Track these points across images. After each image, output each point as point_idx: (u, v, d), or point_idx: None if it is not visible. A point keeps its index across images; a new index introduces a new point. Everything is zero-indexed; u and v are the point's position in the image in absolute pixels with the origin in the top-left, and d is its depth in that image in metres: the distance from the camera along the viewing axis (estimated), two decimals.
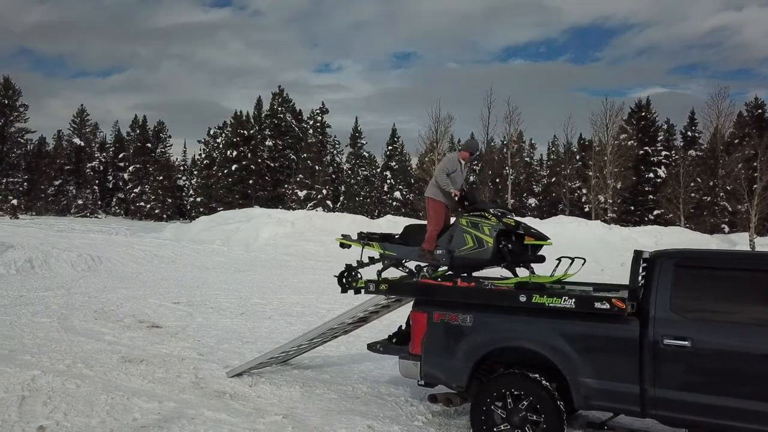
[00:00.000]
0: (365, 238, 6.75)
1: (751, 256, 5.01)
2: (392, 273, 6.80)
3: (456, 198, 6.47)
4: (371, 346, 6.11)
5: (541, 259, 5.88)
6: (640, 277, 4.84)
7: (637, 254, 4.92)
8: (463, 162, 6.75)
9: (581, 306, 4.74)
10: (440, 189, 6.52)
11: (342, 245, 7.06)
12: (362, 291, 6.30)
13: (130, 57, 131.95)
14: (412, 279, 6.50)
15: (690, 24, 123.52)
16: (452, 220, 6.54)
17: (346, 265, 6.83)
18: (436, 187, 6.57)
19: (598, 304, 4.65)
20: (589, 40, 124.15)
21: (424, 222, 6.70)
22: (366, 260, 6.75)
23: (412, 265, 6.72)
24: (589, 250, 24.31)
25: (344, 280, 6.78)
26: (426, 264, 6.47)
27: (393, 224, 31.39)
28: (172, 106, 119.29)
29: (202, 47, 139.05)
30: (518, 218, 6.34)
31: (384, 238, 6.84)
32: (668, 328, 4.54)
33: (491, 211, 6.18)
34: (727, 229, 45.56)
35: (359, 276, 6.70)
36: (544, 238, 6.12)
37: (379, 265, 6.72)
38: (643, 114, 57.63)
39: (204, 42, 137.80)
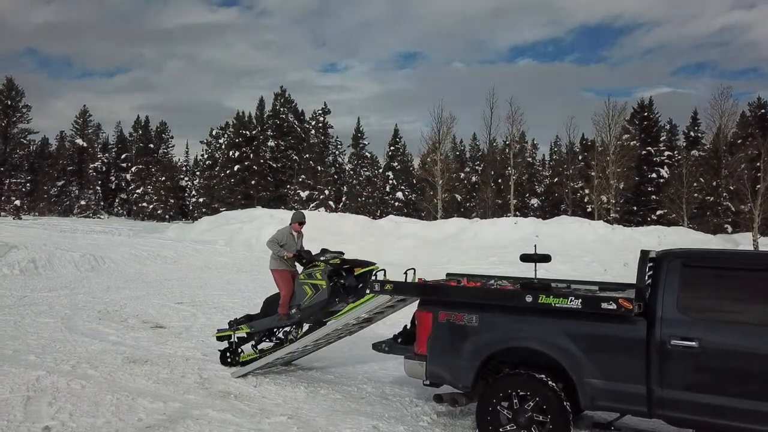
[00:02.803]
0: (234, 325, 7.81)
1: (759, 256, 4.98)
2: (268, 344, 7.84)
3: (291, 258, 7.62)
4: (376, 346, 6.11)
5: (548, 259, 5.87)
6: (646, 277, 4.82)
7: (644, 254, 4.90)
8: (295, 233, 7.85)
9: (588, 306, 4.72)
10: (278, 259, 7.64)
11: (219, 339, 7.95)
12: (246, 366, 7.26)
13: (135, 57, 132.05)
14: (282, 345, 7.47)
15: (699, 23, 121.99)
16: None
17: (228, 342, 7.87)
18: (275, 260, 7.68)
19: (604, 305, 4.63)
20: (597, 39, 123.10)
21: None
22: (244, 335, 7.79)
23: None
24: (592, 250, 24.29)
25: (228, 359, 7.74)
26: (289, 327, 7.54)
27: (395, 224, 31.41)
28: (176, 107, 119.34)
29: (208, 47, 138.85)
30: (345, 257, 7.34)
31: (249, 318, 7.87)
32: (675, 328, 4.53)
33: (321, 259, 7.26)
34: (730, 229, 45.43)
35: (241, 352, 7.76)
36: (370, 264, 7.16)
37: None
38: (646, 114, 57.55)
39: (210, 42, 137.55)
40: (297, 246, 7.78)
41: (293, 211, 8.12)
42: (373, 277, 6.73)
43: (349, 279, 7.13)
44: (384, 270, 6.81)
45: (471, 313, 5.22)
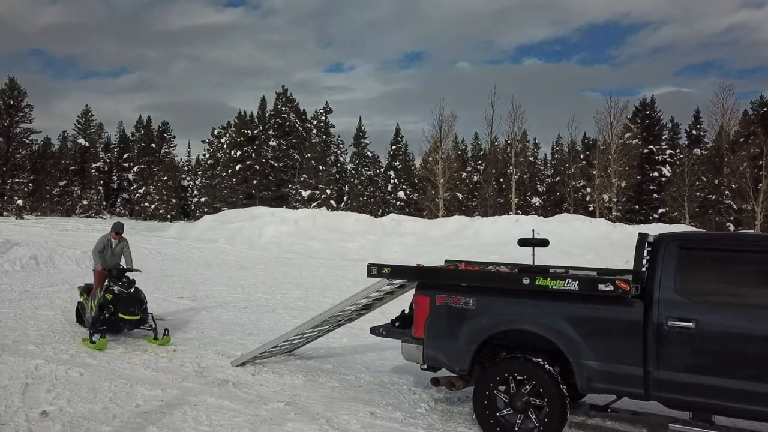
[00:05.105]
0: (82, 290, 9.07)
1: (756, 238, 4.97)
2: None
3: (100, 270, 8.51)
4: (374, 330, 6.11)
5: (546, 243, 5.86)
6: (644, 260, 4.81)
7: (642, 237, 4.89)
8: (114, 240, 8.83)
9: (585, 288, 4.69)
10: (97, 259, 8.72)
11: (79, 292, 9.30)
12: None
13: (139, 58, 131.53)
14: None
15: (707, 22, 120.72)
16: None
17: (78, 302, 9.14)
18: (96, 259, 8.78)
19: (601, 286, 4.60)
20: (604, 38, 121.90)
21: None
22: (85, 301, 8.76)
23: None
24: (594, 247, 24.25)
25: (79, 315, 8.97)
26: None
27: (396, 222, 31.40)
28: (180, 107, 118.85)
29: (212, 48, 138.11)
30: (126, 294, 8.14)
31: (87, 291, 8.88)
32: (672, 309, 4.51)
33: (110, 285, 8.16)
34: (732, 227, 45.36)
35: (84, 309, 8.72)
36: (135, 314, 8.04)
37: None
38: (648, 113, 57.49)
39: (215, 43, 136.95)
40: (114, 250, 8.83)
41: (114, 222, 9.12)
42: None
43: (115, 316, 7.98)
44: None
45: (468, 296, 5.21)
